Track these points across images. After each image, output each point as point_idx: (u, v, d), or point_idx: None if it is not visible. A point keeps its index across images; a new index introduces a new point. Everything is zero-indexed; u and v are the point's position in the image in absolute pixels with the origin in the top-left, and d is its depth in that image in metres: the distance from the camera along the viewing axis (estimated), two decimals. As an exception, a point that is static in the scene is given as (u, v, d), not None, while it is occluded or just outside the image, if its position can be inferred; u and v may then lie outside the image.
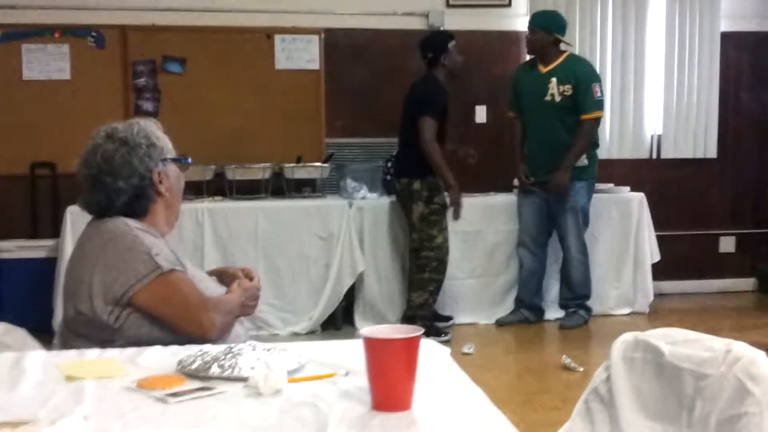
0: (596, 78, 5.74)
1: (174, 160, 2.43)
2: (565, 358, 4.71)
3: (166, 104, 6.10)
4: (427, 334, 5.27)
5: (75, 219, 5.20)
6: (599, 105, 5.66)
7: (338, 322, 5.66)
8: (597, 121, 5.69)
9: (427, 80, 5.50)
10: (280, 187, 5.92)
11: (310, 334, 5.49)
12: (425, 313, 5.43)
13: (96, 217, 2.35)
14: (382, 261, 5.69)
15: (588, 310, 5.79)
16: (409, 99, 5.51)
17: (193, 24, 6.14)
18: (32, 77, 6.02)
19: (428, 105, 5.37)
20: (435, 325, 5.48)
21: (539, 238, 5.83)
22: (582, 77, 5.62)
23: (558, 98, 5.64)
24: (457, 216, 5.56)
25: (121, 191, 2.30)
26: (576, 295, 5.77)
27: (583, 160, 5.67)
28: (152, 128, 2.41)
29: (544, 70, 5.70)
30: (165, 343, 2.10)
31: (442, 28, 6.36)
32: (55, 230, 5.55)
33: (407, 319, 5.37)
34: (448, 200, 5.48)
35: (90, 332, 2.21)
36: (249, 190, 5.81)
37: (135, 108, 6.06)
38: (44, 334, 2.15)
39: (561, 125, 5.66)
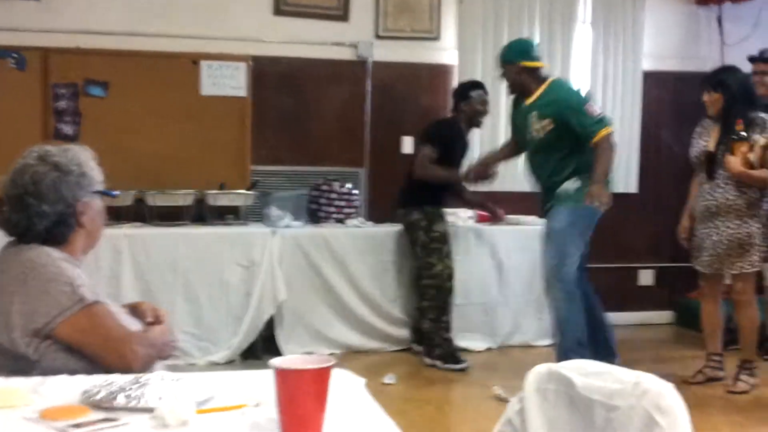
0: (582, 100, 5.10)
1: (102, 192, 2.38)
2: (498, 389, 4.70)
3: (87, 128, 5.95)
4: (444, 361, 5.25)
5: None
6: (603, 122, 4.98)
7: (258, 351, 5.56)
8: (608, 137, 4.97)
9: (441, 119, 5.78)
10: (202, 214, 5.84)
11: (229, 364, 5.40)
12: (436, 340, 5.47)
13: (13, 242, 2.29)
14: (304, 290, 5.65)
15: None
16: (419, 132, 5.74)
17: (118, 47, 6.04)
18: (-53, 98, 5.85)
19: (429, 135, 5.59)
20: (451, 351, 5.48)
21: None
22: (563, 107, 5.01)
23: (541, 134, 5.08)
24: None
25: (45, 216, 2.24)
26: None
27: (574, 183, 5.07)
28: (86, 157, 2.36)
29: (527, 103, 5.17)
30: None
31: (370, 60, 6.41)
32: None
33: (426, 347, 5.54)
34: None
35: (3, 362, 2.14)
36: (170, 216, 5.72)
37: (55, 131, 5.91)
38: None
39: (547, 163, 5.12)
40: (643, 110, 7.01)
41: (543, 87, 5.13)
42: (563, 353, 4.79)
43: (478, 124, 5.80)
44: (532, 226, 5.79)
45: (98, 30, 6.03)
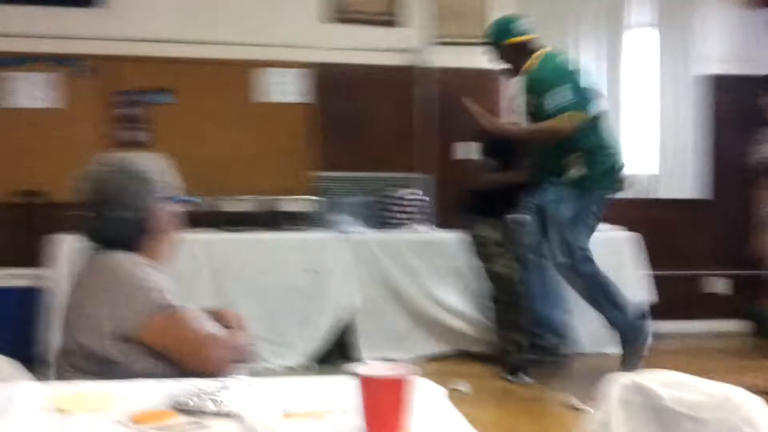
0: (558, 81, 4.89)
1: (181, 199, 2.44)
2: (571, 398, 4.64)
3: (154, 135, 6.09)
4: (516, 371, 5.18)
5: (61, 248, 5.20)
6: (564, 109, 4.82)
7: (334, 357, 5.60)
8: (561, 125, 4.81)
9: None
10: (270, 219, 5.90)
11: (305, 369, 5.45)
12: (509, 348, 5.32)
13: (96, 249, 2.35)
14: (376, 296, 5.68)
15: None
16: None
17: (182, 55, 6.16)
18: (17, 105, 6.00)
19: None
20: (524, 361, 5.28)
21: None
22: (545, 83, 4.89)
23: (533, 110, 5.00)
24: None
25: (124, 222, 2.31)
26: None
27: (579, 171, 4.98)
28: (162, 164, 2.42)
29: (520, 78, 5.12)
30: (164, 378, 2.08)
31: (429, 65, 6.42)
32: (39, 259, 5.50)
33: (500, 355, 5.40)
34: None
35: (89, 365, 2.20)
36: (239, 222, 5.79)
37: (121, 138, 6.05)
38: (26, 364, 2.12)
39: (544, 144, 5.03)
40: (709, 115, 6.90)
41: (530, 62, 5.03)
42: (623, 328, 4.96)
43: None
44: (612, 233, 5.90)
45: (162, 38, 6.14)
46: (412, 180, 6.36)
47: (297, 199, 5.93)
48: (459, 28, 6.65)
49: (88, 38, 6.08)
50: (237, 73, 6.25)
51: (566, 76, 4.99)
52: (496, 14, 6.55)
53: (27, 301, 5.30)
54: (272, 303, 5.49)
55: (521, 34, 5.09)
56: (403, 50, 6.54)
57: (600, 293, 5.01)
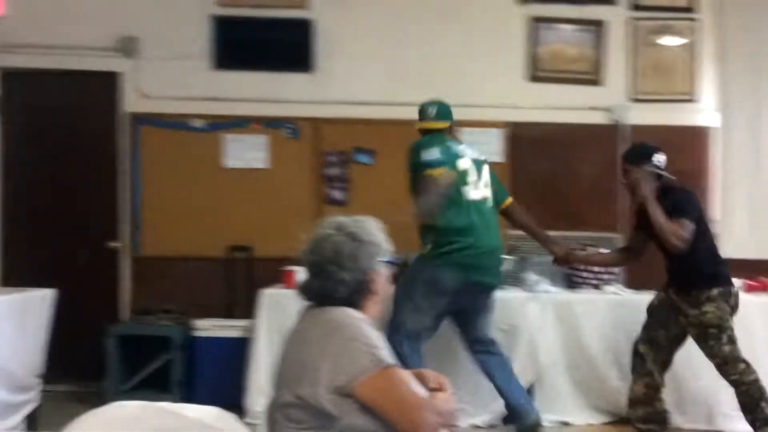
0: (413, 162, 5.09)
1: (390, 261, 2.53)
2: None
3: (354, 193, 6.37)
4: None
5: (270, 301, 5.47)
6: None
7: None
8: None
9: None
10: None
11: (491, 428, 5.47)
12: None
13: (312, 305, 2.46)
14: (563, 356, 5.64)
15: None
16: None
17: (382, 117, 6.41)
18: (231, 165, 6.43)
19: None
20: None
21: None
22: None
23: None
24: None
25: (343, 283, 2.40)
26: None
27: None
28: (377, 228, 2.53)
29: None
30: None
31: (625, 123, 6.40)
32: (249, 311, 5.82)
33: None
34: None
35: (304, 418, 2.27)
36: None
37: (326, 196, 6.36)
38: (235, 412, 2.23)
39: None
40: None
41: None
42: None
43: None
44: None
45: (364, 100, 6.42)
46: (603, 239, 6.31)
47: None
48: (662, 84, 6.59)
49: (298, 102, 6.46)
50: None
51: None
52: (702, 70, 6.53)
53: (238, 351, 5.57)
54: (460, 361, 5.51)
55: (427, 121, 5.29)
56: (605, 108, 6.54)
57: None
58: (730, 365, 4.69)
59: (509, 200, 5.42)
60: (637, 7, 6.61)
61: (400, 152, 6.33)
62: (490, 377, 5.15)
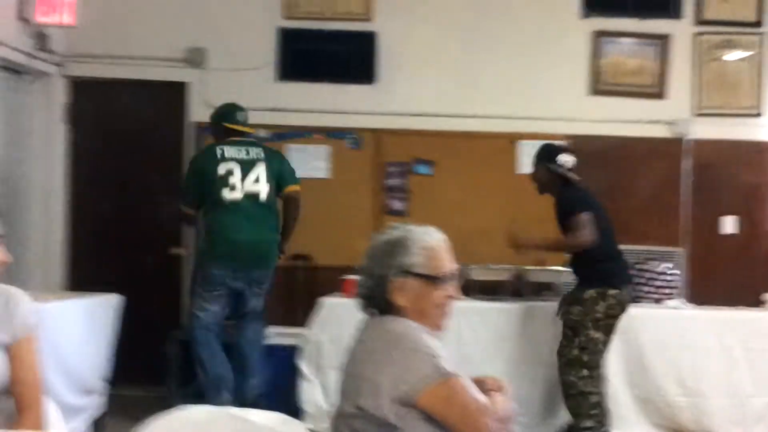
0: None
1: (419, 275, 2.42)
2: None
3: (414, 204, 6.42)
4: None
5: (328, 309, 5.52)
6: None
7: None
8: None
9: None
10: (518, 288, 6.00)
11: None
12: None
13: (374, 314, 2.46)
14: (622, 371, 5.60)
15: None
16: None
17: (442, 129, 6.47)
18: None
19: None
20: None
21: None
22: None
23: None
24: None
25: (364, 286, 2.45)
26: None
27: None
28: (420, 236, 2.46)
29: None
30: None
31: (688, 137, 6.35)
32: (308, 319, 5.89)
33: None
34: None
35: (368, 428, 2.29)
36: (490, 290, 5.94)
37: (386, 206, 6.42)
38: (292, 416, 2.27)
39: None
40: None
41: None
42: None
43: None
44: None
45: (424, 112, 6.47)
46: (665, 253, 6.25)
47: (548, 270, 5.99)
48: (726, 99, 6.53)
49: (359, 113, 6.55)
50: (495, 146, 6.48)
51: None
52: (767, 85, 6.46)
53: (294, 358, 5.60)
54: (518, 373, 5.49)
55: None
56: (668, 122, 6.50)
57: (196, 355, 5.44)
58: (572, 367, 4.92)
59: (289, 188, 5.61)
60: (702, 22, 6.56)
61: (458, 163, 6.42)
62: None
